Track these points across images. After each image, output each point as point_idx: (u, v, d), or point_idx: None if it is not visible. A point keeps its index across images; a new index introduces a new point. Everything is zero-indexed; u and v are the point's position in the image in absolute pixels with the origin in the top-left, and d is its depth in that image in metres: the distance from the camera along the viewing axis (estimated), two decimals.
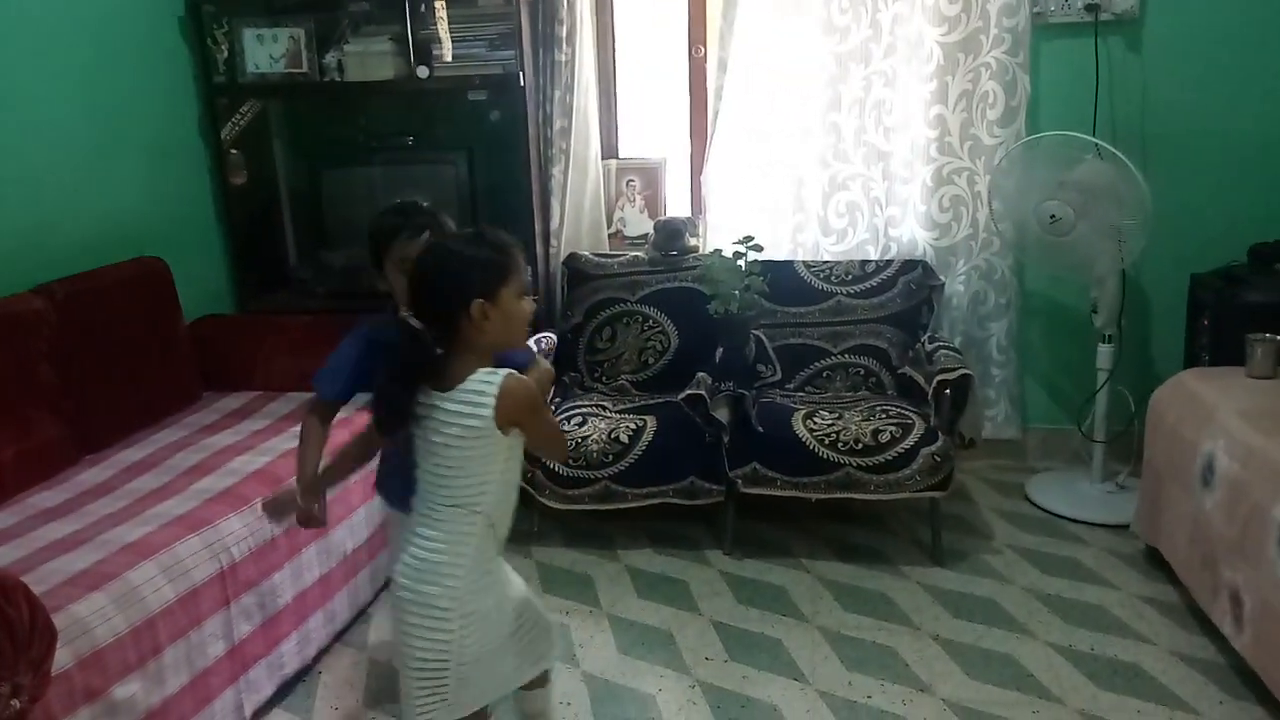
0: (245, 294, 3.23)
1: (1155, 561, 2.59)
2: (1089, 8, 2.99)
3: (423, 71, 3.03)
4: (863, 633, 2.37)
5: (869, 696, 2.12)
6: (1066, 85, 3.08)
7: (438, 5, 3.01)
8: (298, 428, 2.40)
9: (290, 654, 2.15)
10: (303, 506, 1.80)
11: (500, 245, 1.54)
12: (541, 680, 1.78)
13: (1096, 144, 2.79)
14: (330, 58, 3.07)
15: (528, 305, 1.57)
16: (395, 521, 1.85)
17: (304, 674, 2.24)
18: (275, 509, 1.87)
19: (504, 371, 1.51)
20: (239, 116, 3.18)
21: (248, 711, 2.00)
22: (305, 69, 3.07)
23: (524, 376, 1.55)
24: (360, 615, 2.49)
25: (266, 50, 3.05)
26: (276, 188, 3.39)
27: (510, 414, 1.50)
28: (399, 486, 1.71)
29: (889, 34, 3.11)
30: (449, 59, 3.03)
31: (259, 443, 2.35)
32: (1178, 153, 3.02)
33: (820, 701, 2.11)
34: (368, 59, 3.04)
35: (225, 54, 3.07)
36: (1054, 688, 2.13)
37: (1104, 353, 2.96)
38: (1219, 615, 2.15)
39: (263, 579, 2.04)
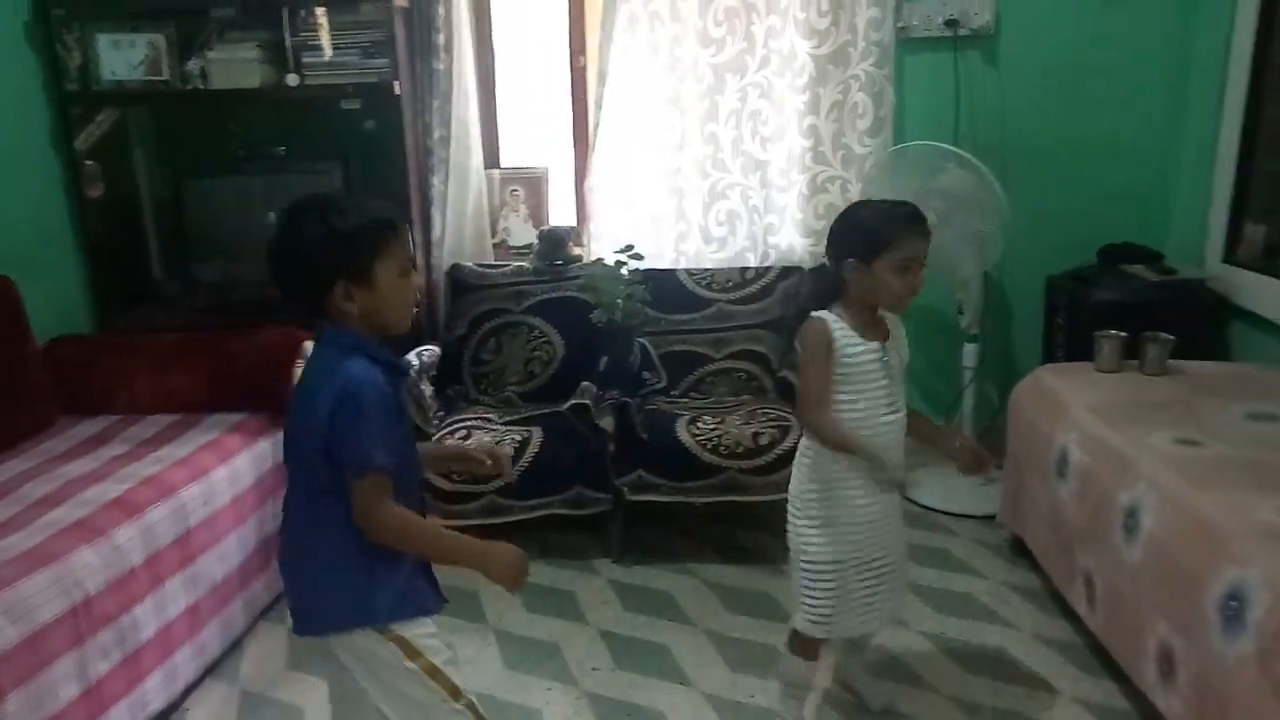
0: (105, 312, 3.06)
1: (1019, 550, 2.72)
2: (948, 23, 3.14)
3: (293, 80, 2.95)
4: (747, 633, 2.41)
5: (752, 695, 2.16)
6: (930, 97, 3.22)
7: (318, 10, 2.94)
8: (161, 451, 2.34)
9: (155, 691, 2.04)
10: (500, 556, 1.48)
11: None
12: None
13: (958, 154, 2.92)
14: (193, 65, 2.95)
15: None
16: None
17: (170, 711, 2.13)
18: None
19: (823, 314, 1.80)
20: (94, 126, 3.02)
21: None
22: (166, 76, 2.95)
23: (831, 328, 1.79)
24: (234, 646, 2.39)
25: (124, 57, 2.91)
26: (138, 200, 3.24)
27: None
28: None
29: (763, 46, 3.20)
30: (297, 63, 2.95)
31: (117, 469, 2.23)
32: (1033, 161, 3.19)
33: (705, 704, 2.14)
34: (233, 66, 2.94)
35: (78, 60, 2.91)
36: (926, 675, 2.22)
37: (969, 351, 3.10)
38: (1075, 598, 2.28)
39: (122, 613, 1.93)
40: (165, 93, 2.98)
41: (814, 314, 1.82)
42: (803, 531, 1.87)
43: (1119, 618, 2.05)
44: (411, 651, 1.48)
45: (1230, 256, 2.90)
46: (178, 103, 3.10)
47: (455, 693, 1.52)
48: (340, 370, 1.40)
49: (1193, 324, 2.84)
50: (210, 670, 2.28)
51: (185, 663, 2.15)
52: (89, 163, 2.99)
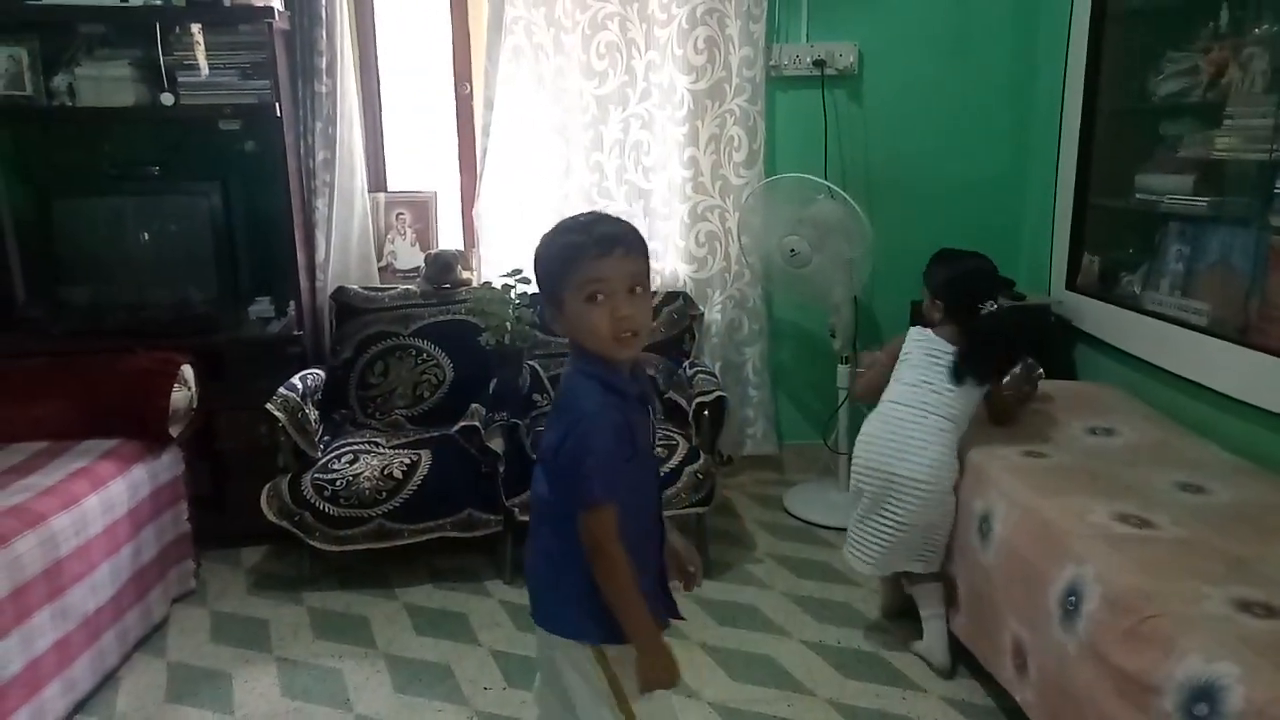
0: None
1: None
2: (816, 63, 3.33)
3: (167, 98, 2.88)
4: None
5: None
6: (802, 132, 3.41)
7: (194, 28, 2.88)
8: (27, 479, 2.24)
9: None
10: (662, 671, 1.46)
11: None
12: None
13: (829, 186, 3.11)
14: (59, 80, 2.85)
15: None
16: None
17: None
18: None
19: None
20: None
21: None
22: (29, 92, 2.83)
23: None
24: (108, 679, 2.30)
25: None
26: None
27: None
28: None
29: (643, 80, 3.32)
30: (205, 77, 2.90)
31: None
32: (896, 193, 3.42)
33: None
34: (103, 83, 2.85)
35: None
36: (807, 681, 2.33)
37: (843, 372, 3.28)
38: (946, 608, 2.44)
39: None
40: (28, 108, 2.86)
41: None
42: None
43: (979, 618, 2.22)
44: (611, 677, 1.47)
45: (1072, 284, 3.17)
46: (43, 119, 2.97)
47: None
48: (576, 398, 1.40)
49: (1041, 346, 3.07)
50: (80, 707, 2.19)
51: (54, 698, 2.06)
52: None
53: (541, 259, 1.43)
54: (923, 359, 2.40)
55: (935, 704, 2.23)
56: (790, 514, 3.30)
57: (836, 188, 3.07)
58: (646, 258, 1.42)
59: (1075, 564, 1.83)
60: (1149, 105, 2.79)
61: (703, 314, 3.37)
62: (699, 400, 2.82)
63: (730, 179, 3.39)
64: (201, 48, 2.90)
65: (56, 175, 3.08)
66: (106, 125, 3.06)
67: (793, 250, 3.07)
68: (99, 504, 2.28)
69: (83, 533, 2.19)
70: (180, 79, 2.89)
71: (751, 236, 3.27)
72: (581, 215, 1.45)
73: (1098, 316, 3.01)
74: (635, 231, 1.42)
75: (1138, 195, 2.80)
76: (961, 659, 2.37)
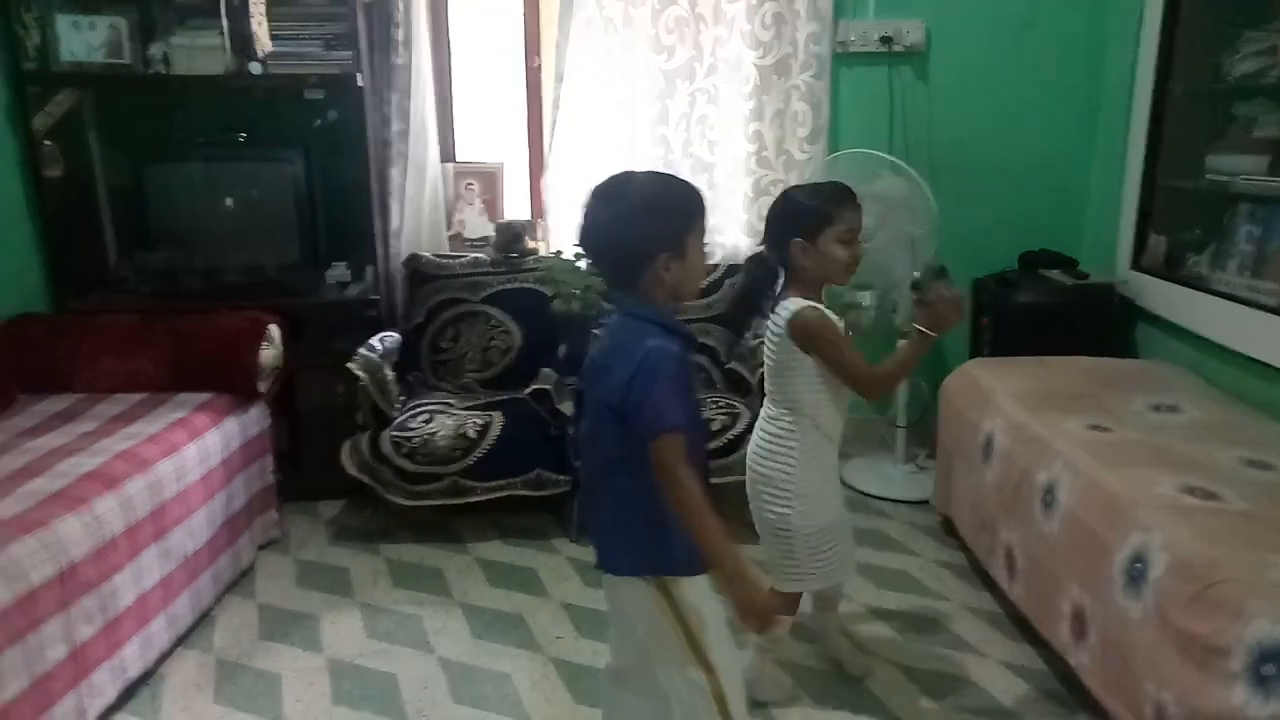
0: (63, 293, 3.05)
1: (950, 531, 2.94)
2: (883, 40, 3.35)
3: (255, 68, 2.99)
4: None
5: None
6: (866, 108, 3.43)
7: (254, 1, 2.98)
8: (131, 427, 2.38)
9: (132, 658, 2.09)
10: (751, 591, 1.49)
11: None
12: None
13: (892, 161, 3.13)
14: (155, 49, 2.97)
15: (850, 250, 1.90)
16: None
17: (146, 678, 2.18)
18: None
19: (804, 303, 1.93)
20: (54, 106, 3.00)
21: (91, 716, 1.94)
22: (128, 60, 2.95)
23: (825, 312, 1.93)
24: (203, 618, 2.44)
25: (84, 38, 2.91)
26: (95, 182, 3.22)
27: (801, 339, 1.92)
28: None
29: (710, 55, 3.36)
30: (266, 51, 2.99)
31: (89, 444, 2.26)
32: (960, 171, 3.43)
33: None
34: (195, 52, 2.96)
35: (36, 40, 2.90)
36: (869, 642, 2.40)
37: (902, 347, 3.31)
38: (996, 570, 2.50)
39: (103, 581, 1.99)
40: (126, 76, 2.99)
41: (796, 305, 1.94)
42: (794, 506, 2.01)
43: (1037, 585, 2.27)
44: (676, 610, 1.54)
45: (1137, 264, 3.18)
46: (138, 86, 3.10)
47: (706, 664, 1.54)
48: (641, 340, 1.48)
49: (1104, 325, 3.12)
50: (182, 640, 2.33)
51: (160, 632, 2.20)
52: (47, 143, 2.97)
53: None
54: None
55: (993, 667, 2.30)
56: (848, 485, 3.36)
57: (901, 163, 3.10)
58: None
59: (1142, 532, 1.87)
60: (1223, 85, 2.78)
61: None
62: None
63: (794, 154, 3.43)
64: (265, 19, 2.98)
65: (149, 141, 3.21)
66: (197, 93, 3.18)
67: None
68: (197, 452, 2.41)
69: (183, 479, 2.33)
70: (269, 49, 2.99)
71: None
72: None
73: (1163, 296, 3.02)
74: None
75: (1208, 175, 2.80)
76: (1017, 625, 2.42)
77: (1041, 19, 3.37)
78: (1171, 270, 3.02)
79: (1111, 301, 3.15)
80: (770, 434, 2.04)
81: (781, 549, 2.05)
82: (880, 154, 3.16)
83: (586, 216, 1.53)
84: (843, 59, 3.41)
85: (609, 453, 1.54)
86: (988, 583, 2.63)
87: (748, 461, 2.10)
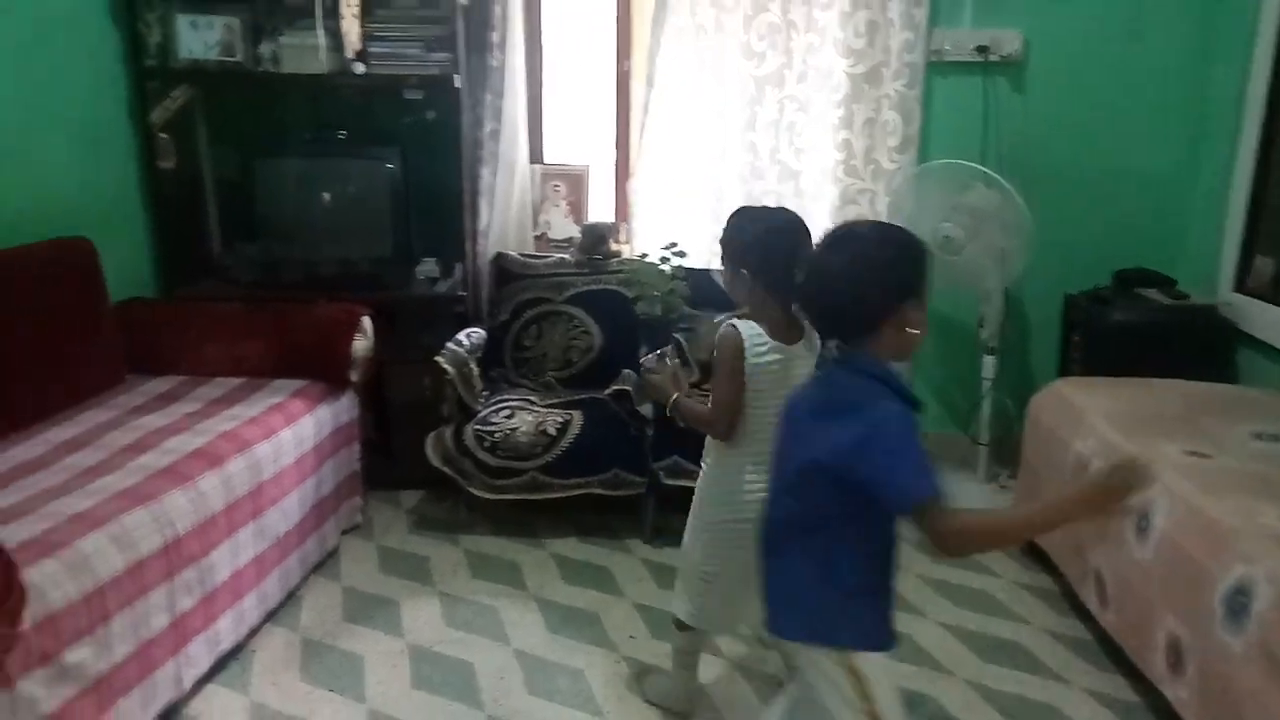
0: (169, 279, 3.19)
1: (1034, 553, 2.86)
2: (979, 49, 3.30)
3: (358, 68, 3.09)
4: None
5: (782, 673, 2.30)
6: (959, 118, 3.38)
7: (346, 2, 3.06)
8: (232, 409, 2.48)
9: (226, 630, 2.18)
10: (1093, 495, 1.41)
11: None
12: None
13: (985, 172, 3.08)
14: (265, 48, 3.09)
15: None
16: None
17: (237, 651, 2.27)
18: None
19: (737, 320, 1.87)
20: (170, 101, 3.15)
21: (186, 684, 2.02)
22: (239, 58, 3.08)
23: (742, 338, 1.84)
24: (290, 597, 2.52)
25: (200, 36, 3.05)
26: (204, 174, 3.37)
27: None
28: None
29: (801, 62, 3.35)
30: (354, 50, 3.08)
31: (193, 424, 2.36)
32: (1055, 184, 3.35)
33: (735, 672, 2.29)
34: (303, 52, 3.07)
35: (158, 38, 3.04)
36: (946, 661, 2.36)
37: (989, 363, 3.25)
38: (1086, 595, 2.43)
39: (203, 555, 2.07)
40: (237, 73, 3.12)
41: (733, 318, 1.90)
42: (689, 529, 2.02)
43: (1130, 613, 2.20)
44: (860, 689, 1.47)
45: (1240, 286, 3.06)
46: (248, 83, 3.23)
47: None
48: (874, 402, 1.38)
49: (1203, 348, 3.01)
50: (270, 617, 2.41)
51: (252, 607, 2.28)
52: (162, 136, 3.12)
53: (910, 260, 1.44)
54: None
55: (1078, 695, 2.24)
56: None
57: (995, 175, 3.05)
58: None
59: (1244, 564, 1.80)
60: None
61: None
62: None
63: (883, 163, 3.39)
64: (356, 21, 3.06)
65: (255, 137, 3.34)
66: (303, 91, 3.30)
67: (946, 237, 3.06)
68: (292, 436, 2.49)
69: (279, 461, 2.41)
70: (371, 49, 3.09)
71: (904, 221, 3.27)
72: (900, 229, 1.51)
73: (1269, 320, 2.90)
74: None
75: None
76: (1106, 653, 2.35)
77: (1147, 30, 3.27)
78: (1279, 293, 2.90)
79: (1212, 324, 3.03)
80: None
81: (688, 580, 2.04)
82: (973, 165, 3.11)
83: (817, 267, 1.45)
84: (936, 68, 3.36)
85: (810, 513, 1.45)
86: (1075, 608, 2.56)
87: None
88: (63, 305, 2.51)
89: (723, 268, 1.94)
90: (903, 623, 2.49)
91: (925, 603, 2.63)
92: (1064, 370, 3.24)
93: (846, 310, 1.42)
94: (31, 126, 2.65)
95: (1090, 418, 2.55)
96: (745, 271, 1.86)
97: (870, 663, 1.48)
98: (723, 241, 1.93)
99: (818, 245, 1.48)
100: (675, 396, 1.95)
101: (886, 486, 1.35)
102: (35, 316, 2.41)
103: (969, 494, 3.27)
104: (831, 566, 1.43)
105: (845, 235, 1.48)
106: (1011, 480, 3.21)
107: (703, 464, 1.99)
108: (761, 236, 1.87)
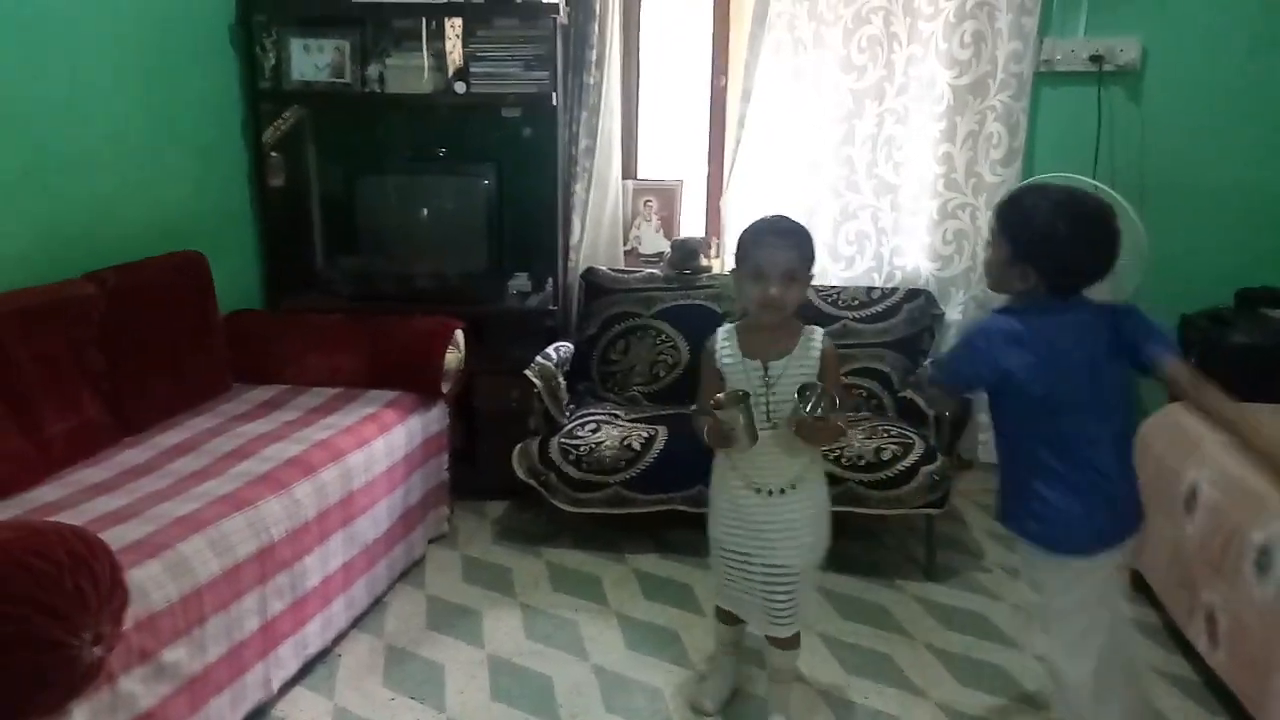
0: (275, 292, 3.34)
1: (1137, 584, 2.70)
2: (1093, 59, 3.16)
3: (460, 87, 3.17)
4: (860, 639, 2.48)
5: (866, 697, 2.24)
6: (1070, 130, 3.24)
7: (450, 24, 3.16)
8: (328, 419, 2.57)
9: (314, 635, 2.25)
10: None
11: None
12: (782, 643, 2.07)
13: (1096, 186, 2.94)
14: (372, 69, 3.21)
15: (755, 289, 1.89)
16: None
17: (323, 656, 2.34)
18: None
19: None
20: (281, 121, 3.31)
21: (274, 686, 2.10)
22: (348, 79, 3.21)
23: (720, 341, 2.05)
24: (376, 603, 2.59)
25: (312, 59, 3.19)
26: (310, 191, 3.52)
27: None
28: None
29: (902, 74, 3.28)
30: (454, 69, 3.16)
31: (291, 432, 2.45)
32: (1172, 199, 3.18)
33: (819, 699, 2.23)
34: (408, 73, 3.18)
35: (272, 62, 3.20)
36: (1040, 697, 2.25)
37: None
38: (1195, 633, 2.27)
39: (295, 561, 2.14)
40: (345, 93, 3.25)
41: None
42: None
43: (1244, 654, 2.05)
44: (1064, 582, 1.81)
45: None
46: (355, 104, 3.36)
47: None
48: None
49: None
50: (356, 623, 2.48)
51: (339, 613, 2.35)
52: (273, 155, 3.28)
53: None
54: None
55: None
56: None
57: (1108, 189, 2.91)
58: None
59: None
60: None
61: (944, 314, 3.29)
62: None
63: (985, 176, 3.28)
64: (459, 42, 3.17)
65: (359, 154, 3.47)
66: (405, 110, 3.41)
67: None
68: (384, 446, 2.56)
69: (370, 470, 2.48)
70: (471, 69, 3.17)
71: None
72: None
73: None
74: None
75: None
76: (1215, 695, 2.21)
77: (1272, 38, 3.07)
78: None
79: None
80: None
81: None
82: (1084, 178, 2.97)
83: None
84: (1045, 78, 3.24)
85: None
86: (1182, 646, 2.40)
87: None
88: (176, 316, 2.65)
89: (799, 276, 1.93)
90: (995, 654, 2.43)
91: (1020, 633, 2.52)
92: (1177, 395, 3.05)
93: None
94: (154, 146, 2.81)
95: (1207, 445, 2.40)
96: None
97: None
98: (810, 251, 1.97)
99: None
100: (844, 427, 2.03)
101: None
102: (151, 326, 2.55)
103: None
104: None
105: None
106: None
107: (803, 474, 2.00)
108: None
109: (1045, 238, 1.74)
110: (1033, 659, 2.40)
